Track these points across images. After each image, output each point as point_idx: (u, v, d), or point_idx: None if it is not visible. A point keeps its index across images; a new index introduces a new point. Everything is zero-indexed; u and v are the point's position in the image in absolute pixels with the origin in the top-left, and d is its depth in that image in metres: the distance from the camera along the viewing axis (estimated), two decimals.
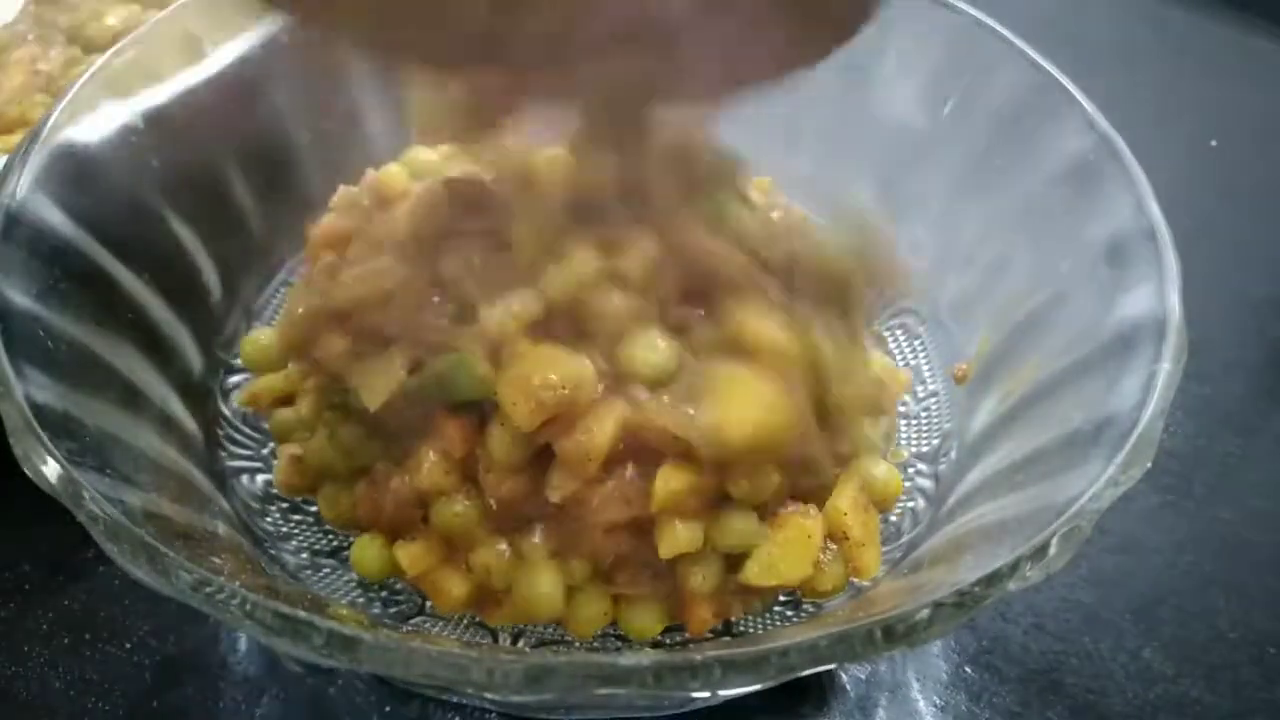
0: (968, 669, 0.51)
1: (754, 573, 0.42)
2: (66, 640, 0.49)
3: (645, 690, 0.30)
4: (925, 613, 0.32)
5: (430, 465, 0.42)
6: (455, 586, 0.43)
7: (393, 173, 0.51)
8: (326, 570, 0.46)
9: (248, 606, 0.31)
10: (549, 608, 0.42)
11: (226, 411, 0.50)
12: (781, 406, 0.40)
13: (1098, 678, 0.51)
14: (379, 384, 0.42)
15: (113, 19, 0.66)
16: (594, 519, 0.41)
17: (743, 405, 0.40)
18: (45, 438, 0.34)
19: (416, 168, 0.52)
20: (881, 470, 0.46)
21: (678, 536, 0.40)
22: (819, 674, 0.46)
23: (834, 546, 0.43)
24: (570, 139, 0.45)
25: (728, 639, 0.44)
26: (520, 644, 0.44)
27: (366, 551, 0.44)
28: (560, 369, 0.40)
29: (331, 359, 0.44)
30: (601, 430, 0.39)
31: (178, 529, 0.37)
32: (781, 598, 0.45)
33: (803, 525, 0.42)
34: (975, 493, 0.44)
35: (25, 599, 0.50)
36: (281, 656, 0.49)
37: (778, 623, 0.45)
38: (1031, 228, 0.50)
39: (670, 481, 0.40)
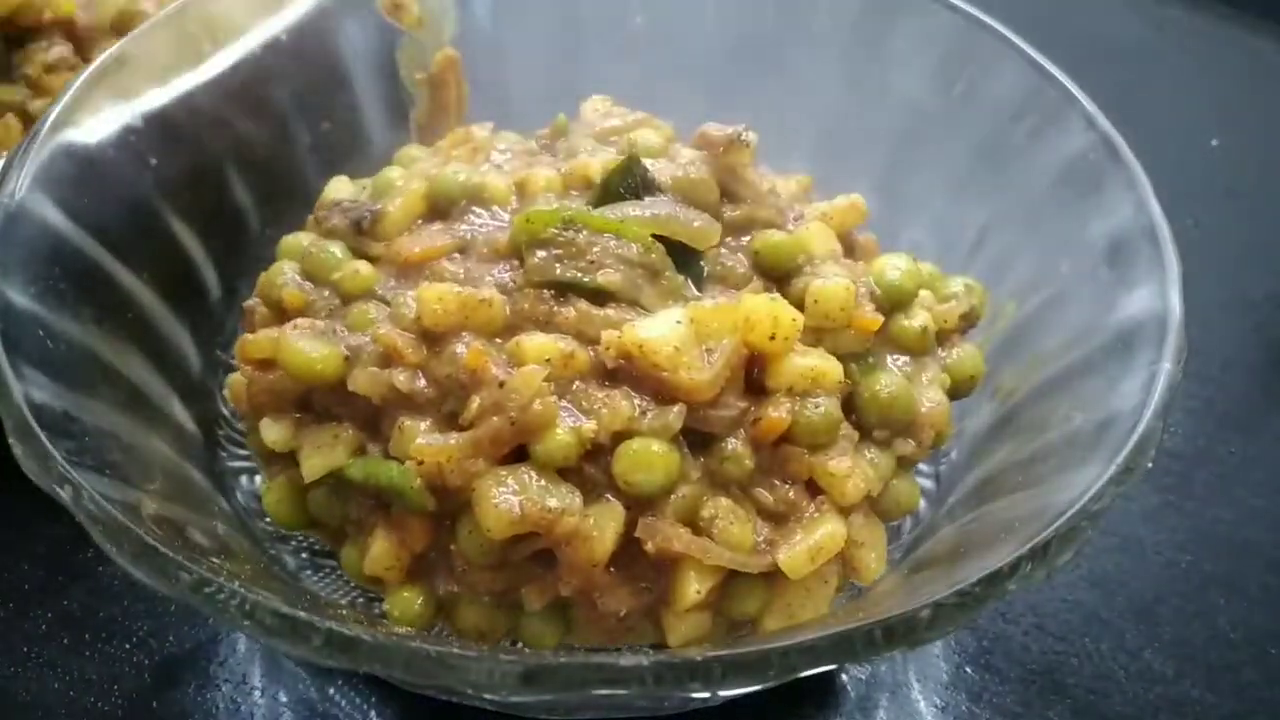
0: (968, 669, 0.51)
1: (771, 623, 0.41)
2: (66, 640, 0.49)
3: (645, 690, 0.30)
4: (926, 613, 0.32)
5: (377, 554, 0.40)
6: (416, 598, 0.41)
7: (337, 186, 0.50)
8: (326, 570, 0.46)
9: (247, 607, 0.31)
10: None
11: (226, 412, 0.50)
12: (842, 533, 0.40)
13: (1098, 678, 0.51)
14: (318, 460, 0.41)
15: None
16: (604, 610, 0.39)
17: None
18: (44, 437, 0.34)
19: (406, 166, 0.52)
20: (904, 484, 0.44)
21: (687, 629, 0.40)
22: (819, 674, 0.46)
23: None
24: None
25: (727, 639, 0.44)
26: (519, 644, 0.44)
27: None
28: (543, 500, 0.37)
29: (278, 441, 0.42)
30: (602, 540, 0.38)
31: (177, 529, 0.37)
32: None
33: (821, 572, 0.40)
34: (976, 493, 0.44)
35: (24, 599, 0.50)
36: (281, 656, 0.49)
37: None
38: (1031, 228, 0.50)
39: (700, 585, 0.39)
